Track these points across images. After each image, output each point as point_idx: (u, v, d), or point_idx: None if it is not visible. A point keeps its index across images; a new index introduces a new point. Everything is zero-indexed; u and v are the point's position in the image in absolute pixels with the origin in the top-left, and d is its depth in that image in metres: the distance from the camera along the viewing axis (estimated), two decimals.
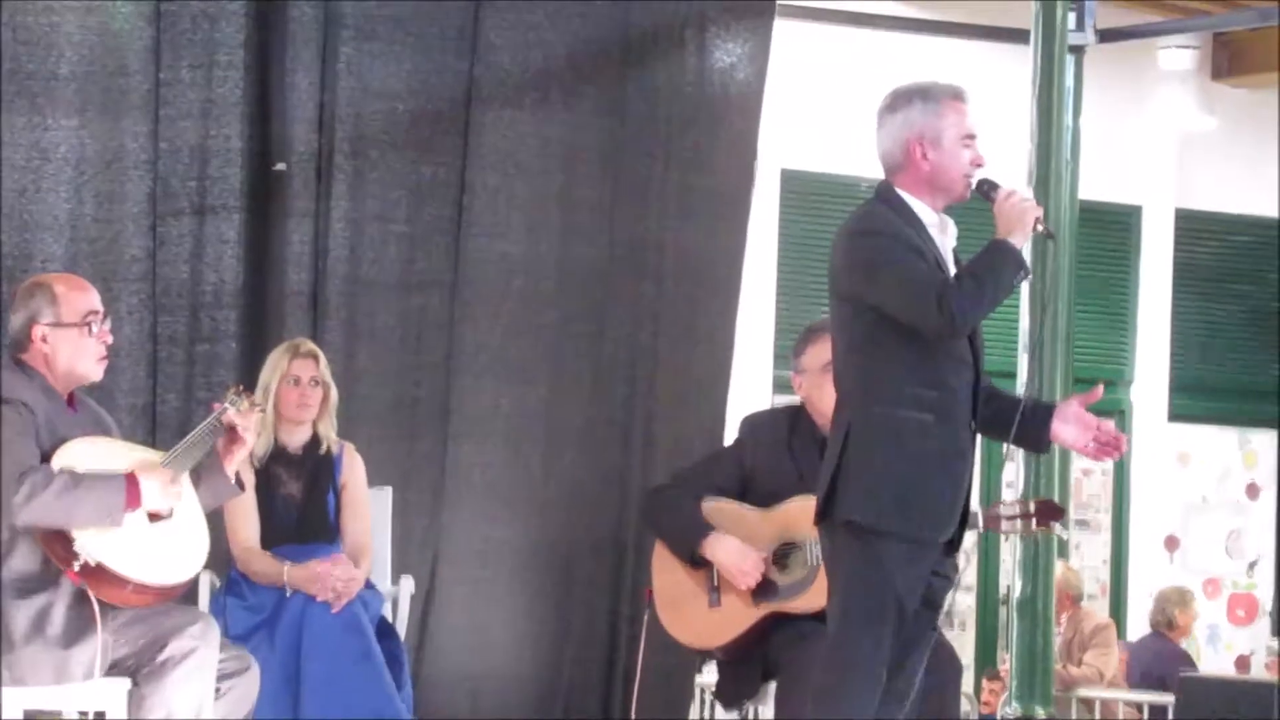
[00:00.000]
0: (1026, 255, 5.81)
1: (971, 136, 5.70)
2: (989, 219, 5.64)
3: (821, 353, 6.49)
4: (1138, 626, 13.95)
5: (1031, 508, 6.30)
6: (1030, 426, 5.71)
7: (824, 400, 6.41)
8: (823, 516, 5.61)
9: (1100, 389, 5.85)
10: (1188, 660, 12.66)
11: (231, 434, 5.88)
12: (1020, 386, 10.55)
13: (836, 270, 5.70)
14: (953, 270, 5.65)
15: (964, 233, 5.78)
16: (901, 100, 5.74)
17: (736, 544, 6.38)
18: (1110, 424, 5.77)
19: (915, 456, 5.54)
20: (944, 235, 5.69)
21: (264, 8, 9.01)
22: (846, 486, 5.54)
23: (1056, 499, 9.15)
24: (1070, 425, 5.71)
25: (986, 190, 5.72)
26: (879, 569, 5.50)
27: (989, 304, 5.58)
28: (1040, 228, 5.68)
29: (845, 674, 5.52)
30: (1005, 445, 5.75)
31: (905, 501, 5.53)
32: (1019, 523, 6.27)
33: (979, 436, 5.74)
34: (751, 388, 11.75)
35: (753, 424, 6.86)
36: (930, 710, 5.95)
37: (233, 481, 5.94)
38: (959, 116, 5.70)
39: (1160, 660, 12.15)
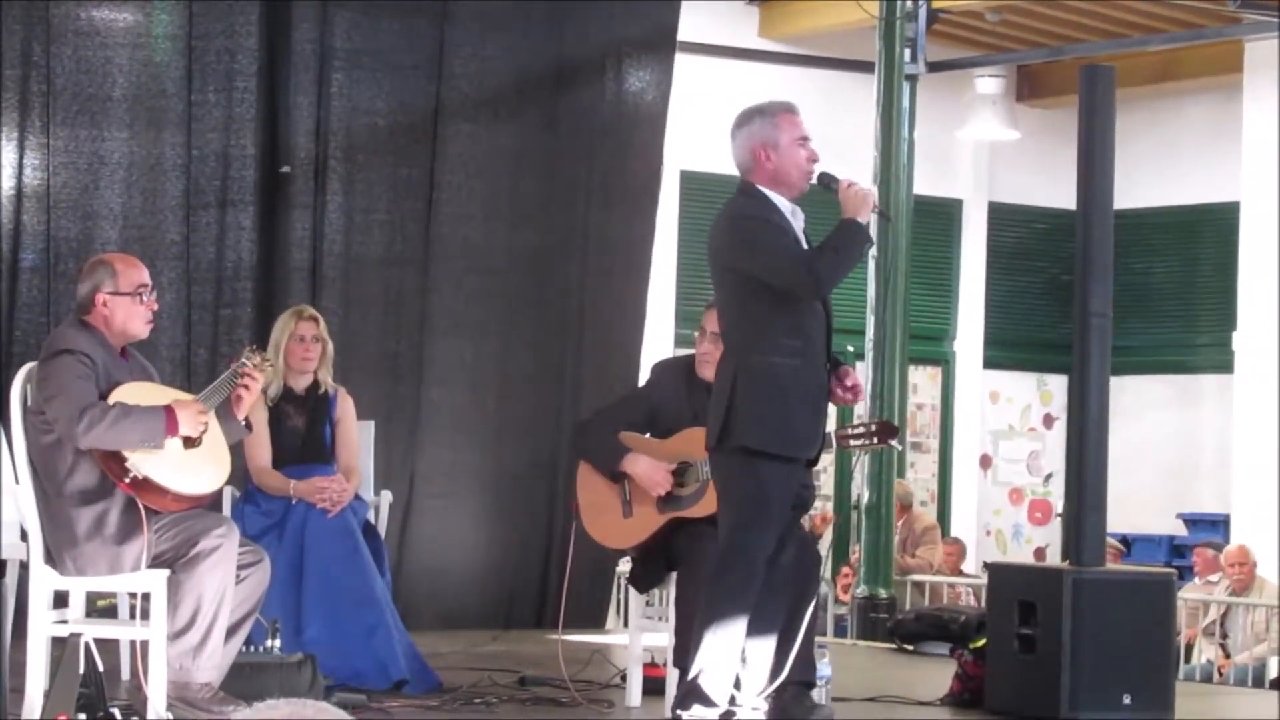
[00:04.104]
0: (872, 232, 5.78)
1: (804, 139, 5.65)
2: (833, 209, 5.61)
3: (705, 322, 6.47)
4: (959, 527, 14.04)
5: (873, 427, 6.28)
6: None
7: (700, 355, 6.44)
8: (718, 446, 5.61)
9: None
10: None
11: (244, 381, 5.85)
12: (868, 341, 10.61)
13: (720, 250, 5.66)
14: (805, 247, 5.63)
15: (813, 222, 5.75)
16: (745, 118, 5.68)
17: (649, 461, 6.34)
18: (859, 388, 5.74)
19: (789, 394, 5.54)
20: (796, 220, 5.66)
21: (273, 43, 8.96)
22: (737, 420, 5.53)
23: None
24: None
25: (827, 182, 5.68)
26: (762, 484, 5.52)
27: (844, 270, 5.58)
28: (877, 209, 5.67)
29: (736, 568, 5.54)
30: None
31: (783, 429, 5.53)
32: (864, 440, 6.25)
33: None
34: (658, 343, 11.76)
35: (660, 369, 6.80)
36: (796, 591, 5.94)
37: (242, 424, 5.89)
38: (791, 125, 5.64)
39: None
